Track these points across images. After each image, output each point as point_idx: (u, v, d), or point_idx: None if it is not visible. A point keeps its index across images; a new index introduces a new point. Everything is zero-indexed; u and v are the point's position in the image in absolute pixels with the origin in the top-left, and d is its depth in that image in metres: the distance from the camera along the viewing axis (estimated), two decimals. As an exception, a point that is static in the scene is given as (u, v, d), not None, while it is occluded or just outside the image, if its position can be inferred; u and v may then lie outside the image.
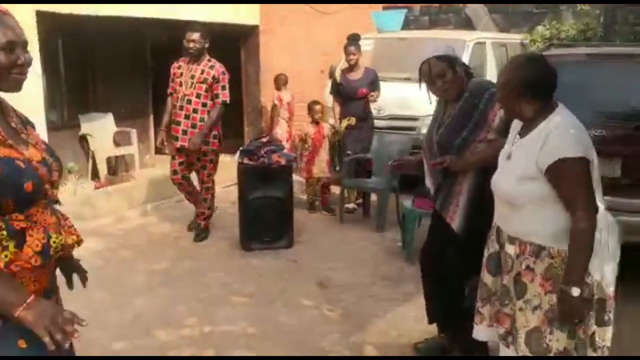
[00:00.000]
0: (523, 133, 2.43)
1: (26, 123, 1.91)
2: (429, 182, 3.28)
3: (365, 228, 5.95)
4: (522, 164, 2.35)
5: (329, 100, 7.58)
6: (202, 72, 5.19)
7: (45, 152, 1.86)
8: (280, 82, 7.96)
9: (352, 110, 6.37)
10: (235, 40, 8.54)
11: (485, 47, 7.60)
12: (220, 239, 5.58)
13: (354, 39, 6.49)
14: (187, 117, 5.19)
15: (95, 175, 7.37)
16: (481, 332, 2.67)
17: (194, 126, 5.20)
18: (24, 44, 1.76)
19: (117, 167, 7.66)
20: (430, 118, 3.31)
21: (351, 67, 6.32)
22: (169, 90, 5.38)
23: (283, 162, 5.23)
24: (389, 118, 6.92)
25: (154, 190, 6.63)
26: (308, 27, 9.12)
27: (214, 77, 5.20)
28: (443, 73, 3.00)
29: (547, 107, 2.36)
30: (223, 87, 5.26)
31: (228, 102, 5.31)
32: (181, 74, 5.21)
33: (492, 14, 11.03)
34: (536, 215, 2.33)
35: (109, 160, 7.46)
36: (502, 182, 2.46)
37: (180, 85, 5.18)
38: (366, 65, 6.53)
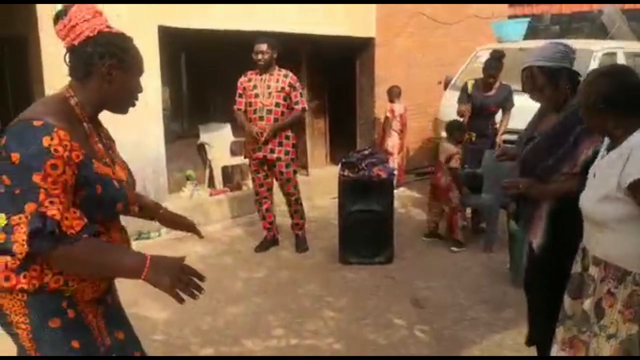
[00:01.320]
0: (609, 150, 2.28)
1: (109, 140, 2.01)
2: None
3: (473, 248, 5.68)
4: (604, 182, 2.21)
5: (444, 112, 7.39)
6: (278, 81, 5.23)
7: (127, 170, 1.97)
8: (393, 94, 7.85)
9: (476, 126, 6.13)
10: (350, 52, 8.55)
11: (616, 58, 7.04)
12: (320, 250, 5.58)
13: (496, 58, 6.18)
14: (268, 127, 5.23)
15: (211, 182, 7.66)
16: (554, 352, 2.52)
17: (274, 135, 5.24)
18: None
19: (233, 176, 7.91)
20: None
21: (489, 85, 6.10)
22: (237, 106, 5.37)
23: (384, 175, 5.12)
24: (508, 132, 6.59)
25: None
26: (425, 38, 8.97)
27: (290, 85, 5.26)
28: (542, 87, 2.80)
29: (633, 123, 2.17)
30: (301, 95, 5.34)
31: (307, 109, 5.40)
32: (254, 87, 5.23)
33: (630, 21, 10.21)
34: (623, 237, 2.17)
35: (225, 168, 7.71)
36: (586, 200, 2.33)
37: (257, 97, 5.21)
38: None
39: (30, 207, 1.59)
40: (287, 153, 5.35)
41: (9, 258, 1.67)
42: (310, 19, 7.46)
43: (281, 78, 5.27)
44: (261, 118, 5.24)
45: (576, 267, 2.44)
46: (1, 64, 6.72)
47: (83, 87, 1.81)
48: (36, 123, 1.63)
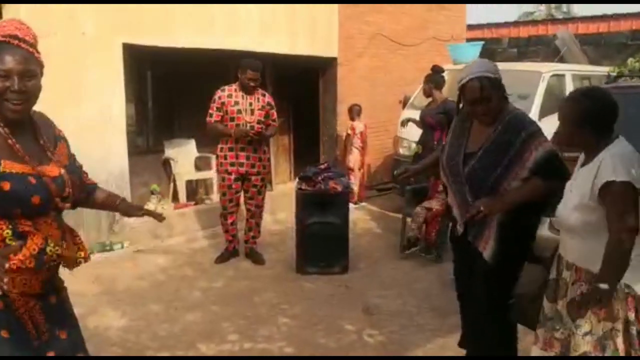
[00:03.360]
0: (584, 164, 2.51)
1: (59, 139, 2.16)
2: (456, 213, 3.18)
3: (427, 258, 5.91)
4: (579, 192, 2.44)
5: (400, 130, 7.67)
6: (258, 100, 5.48)
7: (65, 168, 2.10)
8: (353, 112, 8.12)
9: (421, 139, 6.49)
10: (314, 71, 8.82)
11: (565, 80, 7.40)
12: (279, 261, 5.76)
13: (434, 72, 6.57)
14: (250, 142, 5.43)
15: (175, 197, 7.80)
16: (535, 353, 2.71)
17: (255, 151, 5.45)
18: (23, 72, 1.92)
19: (197, 190, 8.06)
20: None
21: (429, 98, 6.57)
22: (214, 119, 5.45)
23: (339, 188, 5.35)
24: None
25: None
26: (386, 58, 9.28)
27: (268, 104, 5.55)
28: (490, 97, 2.90)
29: (606, 139, 2.43)
30: (276, 111, 5.69)
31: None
32: (235, 103, 5.42)
33: (583, 45, 10.69)
34: (591, 242, 2.39)
35: (189, 183, 7.87)
36: (562, 210, 2.55)
37: (239, 113, 5.40)
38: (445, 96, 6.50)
39: None
40: (264, 167, 5.61)
41: None
42: (273, 38, 7.70)
43: (260, 97, 5.51)
44: (245, 137, 5.41)
45: (552, 273, 2.65)
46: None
47: None
48: None
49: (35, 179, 1.94)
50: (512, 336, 3.21)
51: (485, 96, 2.89)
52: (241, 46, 7.22)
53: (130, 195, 6.57)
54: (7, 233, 1.89)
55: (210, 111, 5.49)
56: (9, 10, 5.40)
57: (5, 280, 1.77)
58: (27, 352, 1.98)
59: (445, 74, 7.58)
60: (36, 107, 2.07)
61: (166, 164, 7.93)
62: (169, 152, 7.88)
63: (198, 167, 8.09)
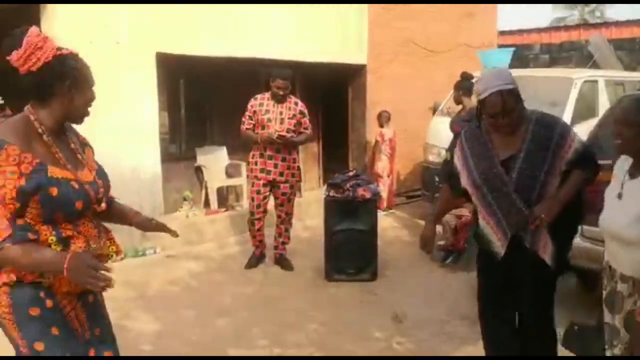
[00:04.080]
0: (634, 173, 2.44)
1: (84, 145, 2.27)
2: (500, 227, 2.96)
3: (456, 266, 5.89)
4: (637, 203, 2.36)
5: (432, 137, 7.65)
6: (290, 108, 5.54)
7: (96, 172, 2.20)
8: (382, 119, 8.14)
9: (450, 146, 6.44)
10: (343, 78, 8.86)
11: (598, 86, 7.29)
12: (308, 268, 5.80)
13: (463, 79, 6.54)
14: (278, 150, 5.49)
15: (207, 203, 7.90)
16: None
17: (284, 159, 5.51)
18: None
19: (228, 197, 8.15)
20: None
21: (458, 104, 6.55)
22: (246, 127, 5.57)
23: (368, 195, 5.37)
24: None
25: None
26: (416, 65, 9.27)
27: (301, 112, 5.60)
28: (513, 109, 2.83)
29: None
30: (309, 120, 5.72)
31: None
32: (266, 112, 5.50)
33: (617, 50, 10.54)
34: None
35: (220, 190, 7.96)
36: (614, 221, 2.46)
37: (269, 121, 5.47)
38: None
39: None
40: (293, 175, 5.65)
41: None
42: (303, 46, 7.77)
43: (292, 105, 5.58)
44: (271, 143, 5.48)
45: (610, 284, 2.56)
46: (6, 89, 7.01)
47: (43, 106, 2.04)
48: None
49: (77, 185, 2.05)
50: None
51: (508, 109, 2.83)
52: (272, 54, 7.30)
53: (163, 201, 6.69)
54: (52, 239, 1.98)
55: (243, 119, 5.62)
56: (47, 21, 5.57)
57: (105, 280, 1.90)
58: (76, 349, 2.09)
59: (475, 81, 7.56)
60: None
61: (198, 171, 8.04)
62: (201, 159, 7.99)
63: (229, 174, 8.17)
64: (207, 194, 7.93)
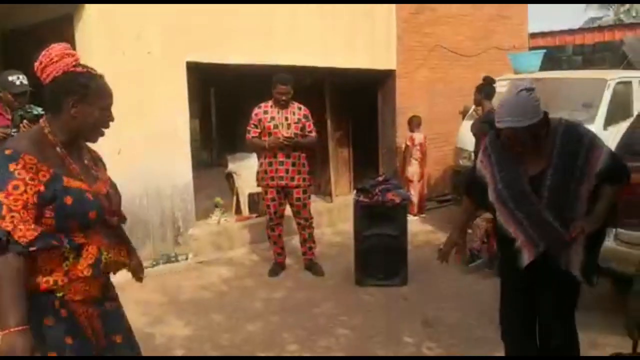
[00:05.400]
0: None
1: (98, 161, 2.34)
2: (530, 242, 2.87)
3: (486, 272, 5.83)
4: None
5: (462, 141, 7.61)
6: (294, 113, 5.60)
7: (110, 187, 2.27)
8: (413, 123, 8.13)
9: (474, 149, 6.47)
10: (372, 84, 8.87)
11: (632, 87, 7.16)
12: (338, 273, 5.81)
13: (481, 86, 6.60)
14: (288, 156, 5.53)
15: (238, 209, 7.98)
16: None
17: (294, 164, 5.56)
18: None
19: (259, 203, 8.22)
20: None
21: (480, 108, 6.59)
22: (252, 134, 5.62)
23: (397, 200, 5.36)
24: None
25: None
26: (446, 70, 9.23)
27: (305, 116, 5.65)
28: (527, 142, 2.75)
29: None
30: (313, 124, 5.75)
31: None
32: (272, 118, 5.54)
33: (653, 50, 10.29)
34: None
35: (251, 196, 8.03)
36: None
37: (275, 127, 5.51)
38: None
39: None
40: (304, 180, 5.67)
41: None
42: (332, 53, 7.81)
43: (296, 110, 5.63)
44: (281, 148, 5.53)
45: None
46: (42, 100, 7.21)
47: (54, 119, 2.11)
48: (7, 152, 1.97)
49: (91, 196, 2.11)
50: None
51: (522, 142, 2.76)
52: (301, 61, 7.36)
53: (195, 208, 6.79)
54: (66, 247, 2.03)
55: (248, 128, 5.68)
56: (81, 34, 5.72)
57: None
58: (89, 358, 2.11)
59: (506, 84, 7.52)
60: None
61: (229, 177, 8.13)
62: (232, 166, 8.07)
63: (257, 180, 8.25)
64: (238, 200, 8.00)
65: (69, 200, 2.02)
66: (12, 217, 1.90)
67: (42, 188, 1.97)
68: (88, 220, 2.08)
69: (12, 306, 1.88)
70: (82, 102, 2.08)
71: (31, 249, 1.92)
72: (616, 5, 29.30)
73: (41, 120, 2.15)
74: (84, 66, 2.13)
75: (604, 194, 2.80)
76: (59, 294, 2.05)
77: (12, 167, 1.93)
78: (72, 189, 2.05)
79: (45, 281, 2.02)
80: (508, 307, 3.25)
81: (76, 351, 2.05)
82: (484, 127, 6.10)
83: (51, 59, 2.05)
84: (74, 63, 2.10)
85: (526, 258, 2.90)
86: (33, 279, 2.00)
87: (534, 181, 2.83)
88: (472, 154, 6.95)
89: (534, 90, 2.75)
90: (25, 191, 1.93)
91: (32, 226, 1.94)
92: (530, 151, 2.81)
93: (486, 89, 6.57)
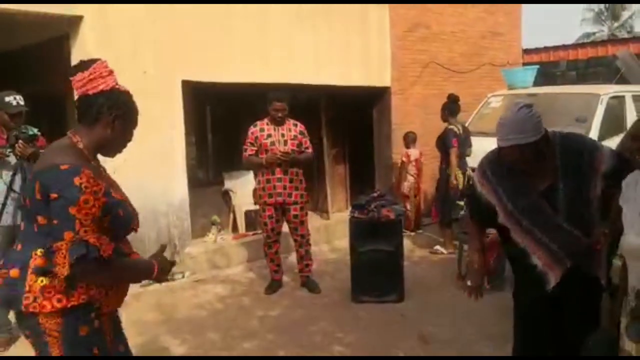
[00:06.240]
0: None
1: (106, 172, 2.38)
2: (554, 265, 2.85)
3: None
4: None
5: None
6: (290, 130, 5.62)
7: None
8: (408, 140, 8.17)
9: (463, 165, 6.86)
10: (367, 101, 8.92)
11: (625, 101, 7.22)
12: (335, 290, 5.80)
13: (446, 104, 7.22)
14: (285, 172, 5.55)
15: (235, 227, 7.98)
16: None
17: (291, 181, 5.58)
18: None
19: (256, 220, 8.22)
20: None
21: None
22: (248, 153, 5.64)
23: (392, 216, 5.37)
24: None
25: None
26: (440, 86, 9.28)
27: (301, 132, 5.67)
28: (528, 160, 2.74)
29: None
30: (309, 140, 5.78)
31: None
32: (268, 135, 5.56)
33: (646, 65, 10.37)
34: None
35: (248, 213, 8.04)
36: None
37: (272, 144, 5.53)
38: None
39: (68, 235, 1.93)
40: (302, 197, 5.68)
41: (45, 280, 2.01)
42: (327, 70, 7.86)
43: (292, 127, 5.65)
44: (279, 165, 5.55)
45: (636, 311, 2.41)
46: (39, 119, 7.23)
47: (89, 131, 2.18)
48: (63, 167, 1.98)
49: (131, 207, 2.22)
50: None
51: (526, 160, 2.75)
52: (297, 79, 7.41)
53: (191, 226, 6.79)
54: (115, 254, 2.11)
55: (244, 146, 5.69)
56: (77, 52, 5.76)
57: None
58: None
59: (500, 100, 7.60)
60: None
61: (226, 195, 8.14)
62: (229, 183, 8.09)
63: (254, 198, 8.25)
64: (235, 218, 8.01)
65: (120, 212, 2.12)
66: (86, 231, 1.95)
67: (104, 200, 2.04)
68: (131, 230, 2.21)
69: (138, 267, 2.21)
70: (121, 119, 2.20)
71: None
72: (610, 20, 29.58)
73: (69, 134, 2.19)
74: (122, 86, 2.25)
75: (615, 194, 2.72)
76: (96, 305, 2.11)
77: (77, 180, 1.96)
78: (120, 201, 2.15)
79: (84, 292, 2.06)
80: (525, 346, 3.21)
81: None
82: (438, 142, 7.10)
83: (100, 73, 2.16)
84: (117, 81, 2.22)
85: (552, 279, 2.86)
86: (74, 292, 2.04)
87: (546, 196, 2.81)
88: (469, 170, 6.97)
89: (533, 107, 2.75)
90: (94, 205, 1.99)
91: (107, 239, 2.03)
92: (535, 167, 2.81)
93: (450, 106, 7.10)
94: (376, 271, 5.31)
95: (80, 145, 2.14)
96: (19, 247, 2.10)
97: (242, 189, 8.11)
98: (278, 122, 5.59)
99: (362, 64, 8.40)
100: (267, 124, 5.64)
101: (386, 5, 8.68)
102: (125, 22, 5.94)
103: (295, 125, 5.70)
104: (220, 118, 7.96)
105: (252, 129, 5.68)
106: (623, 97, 7.24)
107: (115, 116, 2.18)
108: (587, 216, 2.80)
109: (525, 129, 2.67)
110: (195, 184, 7.17)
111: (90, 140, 2.17)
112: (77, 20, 5.70)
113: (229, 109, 7.79)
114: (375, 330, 4.81)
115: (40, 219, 2.01)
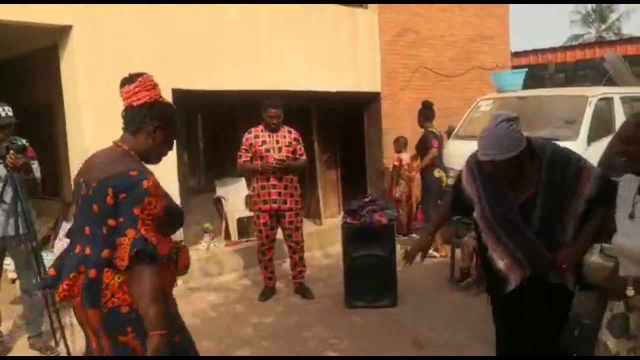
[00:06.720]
0: None
1: None
2: (517, 265, 2.90)
3: (478, 289, 5.83)
4: None
5: (448, 160, 7.68)
6: (284, 137, 5.63)
7: None
8: (400, 144, 8.19)
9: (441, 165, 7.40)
10: (358, 106, 8.95)
11: (613, 103, 7.27)
12: (328, 296, 5.81)
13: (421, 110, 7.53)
14: (280, 179, 5.55)
15: (227, 234, 7.97)
16: None
17: (286, 187, 5.58)
18: None
19: (248, 227, 8.21)
20: None
21: None
22: (244, 159, 5.62)
23: (384, 221, 5.38)
24: None
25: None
26: (430, 91, 9.33)
27: (295, 139, 5.68)
28: (510, 175, 2.79)
29: None
30: (303, 147, 5.78)
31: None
32: (263, 142, 5.57)
33: (634, 67, 10.45)
34: None
35: (240, 220, 8.03)
36: (633, 244, 2.38)
37: (267, 151, 5.54)
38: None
39: (130, 232, 2.11)
40: (297, 203, 5.69)
41: (121, 276, 2.15)
42: (317, 76, 7.89)
43: (286, 134, 5.66)
44: (273, 172, 5.55)
45: (618, 308, 2.47)
46: (29, 130, 7.21)
47: (134, 139, 2.34)
48: (132, 173, 2.17)
49: (177, 205, 2.41)
50: None
51: (505, 174, 2.80)
52: (287, 86, 7.42)
53: (184, 234, 6.77)
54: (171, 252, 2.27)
55: (239, 153, 5.68)
56: (66, 62, 5.76)
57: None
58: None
59: (490, 103, 7.64)
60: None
61: (218, 202, 8.13)
62: (220, 191, 8.09)
63: (248, 205, 8.25)
64: (227, 225, 8.00)
65: (175, 212, 2.33)
66: (147, 230, 2.12)
67: (165, 203, 2.20)
68: (179, 227, 2.41)
69: (163, 312, 2.12)
70: (163, 129, 2.34)
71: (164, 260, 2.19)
72: (598, 22, 29.81)
73: (119, 142, 2.33)
74: (165, 99, 2.39)
75: (593, 217, 2.81)
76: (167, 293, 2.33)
77: (145, 184, 2.15)
78: (174, 202, 2.33)
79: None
80: (506, 348, 3.33)
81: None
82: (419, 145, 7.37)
83: (147, 85, 2.30)
84: (160, 94, 2.34)
85: (513, 282, 2.91)
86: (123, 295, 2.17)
87: (523, 207, 2.84)
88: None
89: (516, 120, 2.74)
90: (156, 207, 2.16)
91: (166, 239, 2.20)
92: (515, 180, 2.83)
93: (424, 112, 7.42)
94: (369, 276, 5.32)
95: (133, 153, 2.30)
96: (87, 250, 2.21)
97: (234, 196, 8.11)
98: (273, 129, 5.59)
99: (352, 69, 8.44)
100: (262, 131, 5.64)
101: (375, 11, 8.73)
102: (114, 31, 5.94)
103: (290, 132, 5.71)
104: (212, 125, 7.96)
105: (246, 136, 5.68)
106: (611, 98, 7.28)
107: (156, 127, 2.32)
108: (559, 232, 2.83)
109: (504, 144, 2.67)
110: (187, 191, 7.17)
111: (135, 148, 2.32)
112: (66, 30, 5.70)
113: (220, 117, 7.80)
114: (370, 335, 4.82)
115: (110, 221, 2.15)
